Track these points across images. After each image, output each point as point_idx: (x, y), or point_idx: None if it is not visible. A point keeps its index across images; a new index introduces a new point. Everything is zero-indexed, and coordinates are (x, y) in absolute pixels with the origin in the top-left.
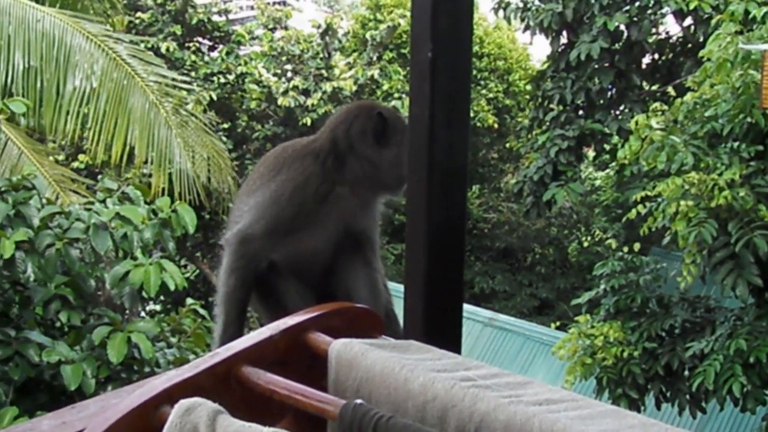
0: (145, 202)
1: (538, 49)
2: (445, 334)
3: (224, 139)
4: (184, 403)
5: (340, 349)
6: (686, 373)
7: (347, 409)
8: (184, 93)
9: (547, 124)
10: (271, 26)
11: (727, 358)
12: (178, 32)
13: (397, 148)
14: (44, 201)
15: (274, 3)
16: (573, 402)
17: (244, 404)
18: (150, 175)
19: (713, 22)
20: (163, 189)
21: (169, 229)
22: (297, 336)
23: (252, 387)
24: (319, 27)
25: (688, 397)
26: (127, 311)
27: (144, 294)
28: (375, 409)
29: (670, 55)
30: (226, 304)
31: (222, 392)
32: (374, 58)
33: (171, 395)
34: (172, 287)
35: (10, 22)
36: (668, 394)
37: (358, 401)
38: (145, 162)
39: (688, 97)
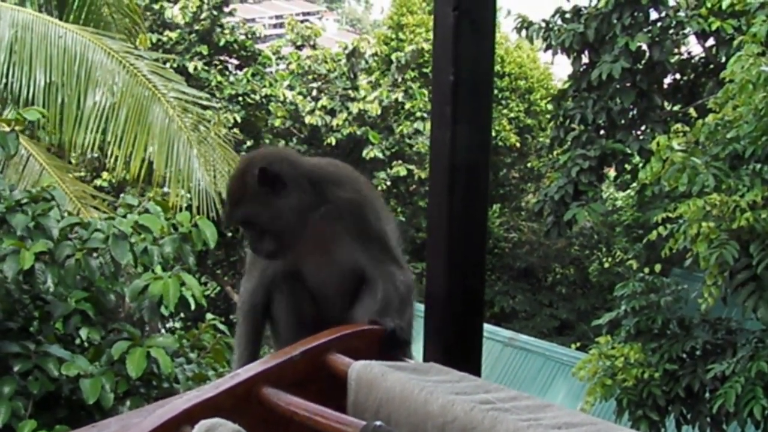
0: (166, 219)
1: (560, 68)
2: (465, 353)
3: None
4: (204, 423)
5: (359, 370)
6: (707, 395)
7: (367, 431)
8: (208, 113)
9: (569, 143)
10: (299, 43)
11: (748, 381)
12: (205, 52)
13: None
14: (64, 213)
15: (302, 21)
16: (592, 426)
17: (265, 425)
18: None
19: (735, 43)
20: (182, 207)
21: (190, 244)
22: (317, 357)
23: (272, 408)
24: (346, 48)
25: (708, 419)
26: (147, 326)
27: (164, 308)
28: (395, 431)
29: (692, 76)
30: (241, 339)
31: (242, 413)
32: (399, 80)
33: (192, 415)
34: (191, 301)
35: (33, 38)
36: (689, 416)
37: (378, 423)
38: (164, 183)
39: (710, 118)
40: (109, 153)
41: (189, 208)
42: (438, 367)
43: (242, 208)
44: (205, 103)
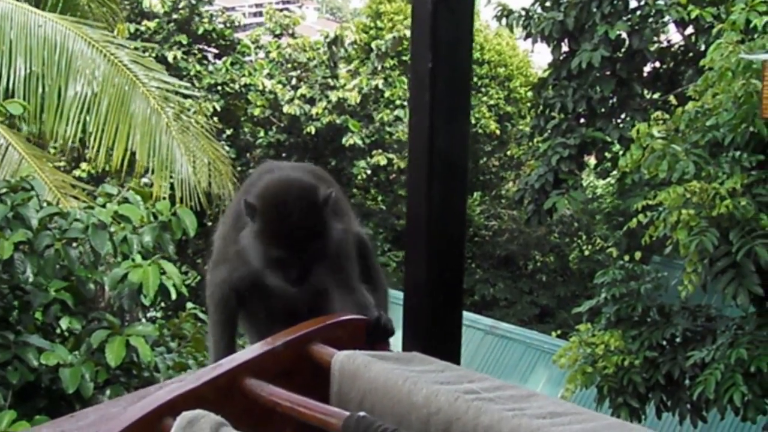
0: (146, 208)
1: (540, 57)
2: (444, 342)
3: (227, 148)
4: (186, 415)
5: (343, 361)
6: (687, 382)
7: (350, 422)
8: (188, 102)
9: (549, 132)
10: (278, 32)
11: (728, 368)
12: (184, 41)
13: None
14: (43, 203)
15: (281, 9)
16: (577, 415)
17: (247, 416)
18: (152, 185)
19: (714, 31)
20: (164, 197)
21: (169, 233)
22: (300, 348)
23: (255, 399)
24: (326, 36)
25: (688, 406)
26: (127, 315)
27: (143, 296)
28: (379, 422)
29: (672, 64)
30: (216, 328)
31: (225, 404)
32: (379, 68)
33: (174, 407)
34: (171, 289)
35: (12, 27)
36: (669, 403)
37: (362, 414)
38: (146, 171)
39: (690, 106)
40: (90, 144)
41: (172, 197)
42: (421, 356)
43: (321, 239)
44: (187, 92)
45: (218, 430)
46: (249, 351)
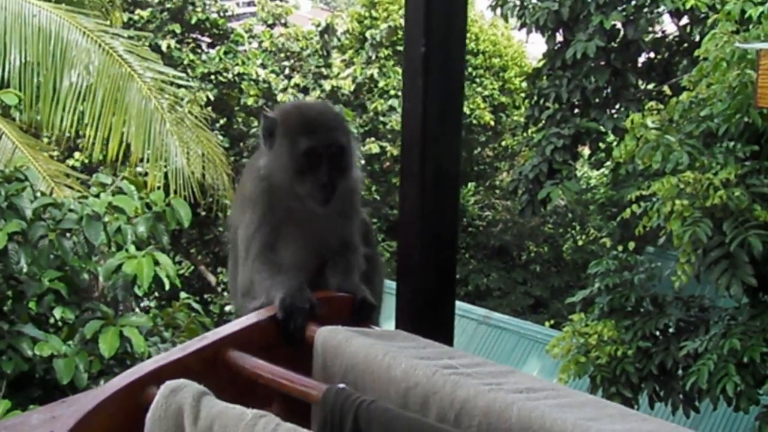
0: (140, 198)
1: (534, 47)
2: (437, 327)
3: (221, 137)
4: (170, 384)
5: (325, 335)
6: (680, 372)
7: (330, 394)
8: (181, 91)
9: (543, 122)
10: (270, 22)
11: (720, 358)
12: (177, 30)
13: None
14: (37, 193)
15: None
16: (553, 391)
17: (231, 387)
18: (145, 174)
19: (709, 21)
20: (159, 186)
21: (164, 223)
22: None
23: (238, 371)
24: (318, 25)
25: (681, 396)
26: (121, 305)
27: (137, 287)
28: (357, 394)
29: (666, 54)
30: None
31: (209, 375)
32: (373, 57)
33: (158, 376)
34: (165, 279)
35: (6, 17)
36: (662, 393)
37: (341, 386)
38: (141, 160)
39: (684, 96)
40: (85, 134)
41: (166, 187)
42: (404, 334)
43: (342, 135)
44: (182, 83)
45: (201, 399)
46: (234, 324)
